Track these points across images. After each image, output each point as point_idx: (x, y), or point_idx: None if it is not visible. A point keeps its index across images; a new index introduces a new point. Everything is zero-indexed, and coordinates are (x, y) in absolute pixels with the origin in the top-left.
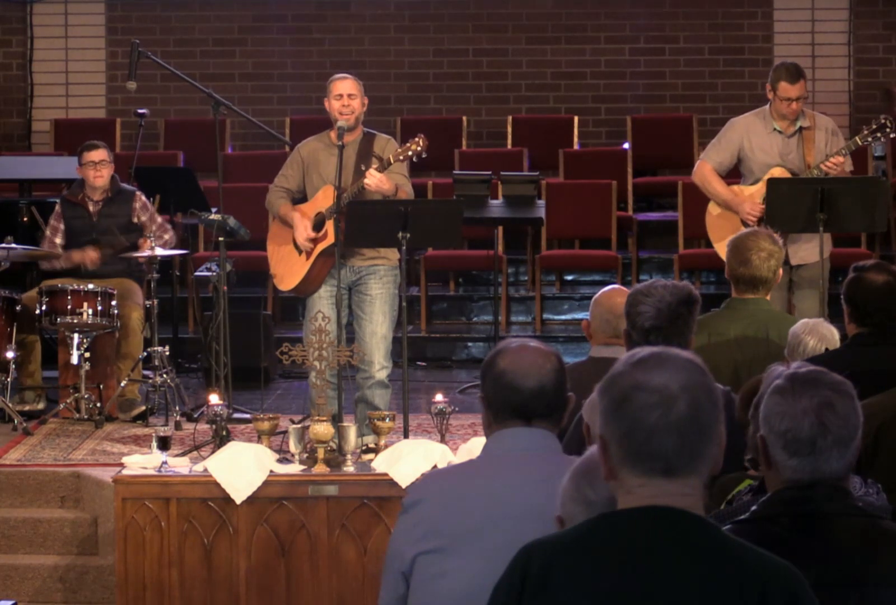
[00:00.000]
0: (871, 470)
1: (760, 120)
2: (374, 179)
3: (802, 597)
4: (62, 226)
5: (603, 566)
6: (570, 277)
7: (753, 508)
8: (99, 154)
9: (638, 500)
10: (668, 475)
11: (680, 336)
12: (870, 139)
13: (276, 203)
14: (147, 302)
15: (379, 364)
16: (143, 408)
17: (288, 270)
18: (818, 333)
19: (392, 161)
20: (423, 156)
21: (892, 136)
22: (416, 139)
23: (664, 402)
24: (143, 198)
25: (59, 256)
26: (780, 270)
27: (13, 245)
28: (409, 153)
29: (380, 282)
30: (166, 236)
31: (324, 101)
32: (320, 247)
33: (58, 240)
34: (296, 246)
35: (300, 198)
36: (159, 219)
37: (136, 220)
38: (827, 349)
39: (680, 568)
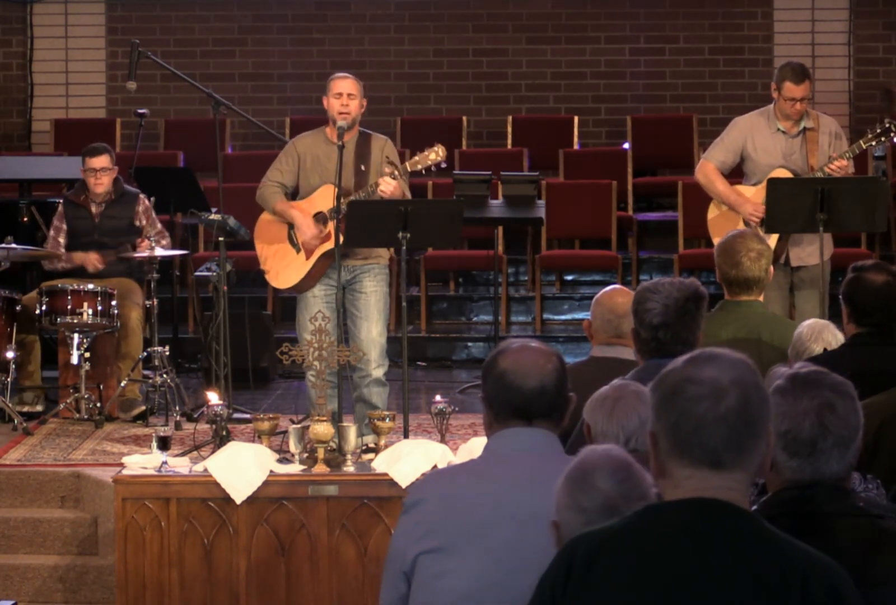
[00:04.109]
0: (872, 469)
1: (764, 120)
2: (390, 187)
3: (844, 590)
4: (65, 226)
5: (647, 557)
6: (570, 277)
7: (754, 508)
8: (100, 161)
9: (684, 492)
10: (715, 468)
11: (688, 332)
12: (874, 143)
13: (271, 199)
14: (147, 302)
15: (375, 362)
16: (144, 408)
17: (285, 268)
18: (824, 340)
19: (409, 169)
20: (443, 166)
21: (895, 139)
22: (436, 148)
23: (714, 394)
24: (147, 201)
25: (60, 257)
26: (772, 269)
27: (13, 245)
28: (429, 162)
29: (374, 280)
30: (164, 242)
31: (322, 98)
32: (324, 247)
33: (61, 240)
34: (291, 243)
35: (291, 193)
36: (159, 225)
37: (137, 223)
38: (826, 350)
39: (723, 560)
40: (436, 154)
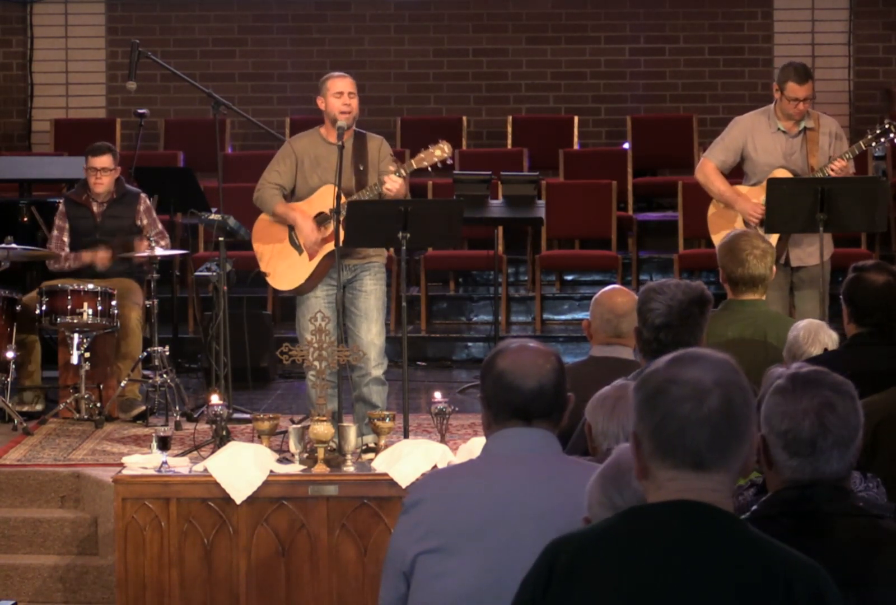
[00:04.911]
0: (870, 468)
1: (765, 119)
2: (396, 185)
3: (827, 594)
4: (68, 225)
5: (630, 559)
6: (570, 277)
7: (754, 507)
8: (101, 161)
9: (667, 494)
10: (698, 470)
11: (690, 335)
12: (874, 144)
13: (271, 201)
14: (147, 302)
15: (375, 361)
16: (143, 408)
17: (287, 270)
18: (821, 342)
19: (414, 167)
20: (449, 162)
21: (895, 140)
22: (440, 145)
23: (697, 395)
24: (148, 201)
25: (60, 256)
26: (775, 267)
27: (13, 245)
28: (434, 159)
29: (374, 278)
30: (162, 243)
31: (317, 99)
32: (327, 248)
33: (66, 239)
34: (293, 245)
35: (285, 194)
36: (159, 225)
37: (139, 222)
38: (826, 350)
39: (706, 562)
40: (441, 151)
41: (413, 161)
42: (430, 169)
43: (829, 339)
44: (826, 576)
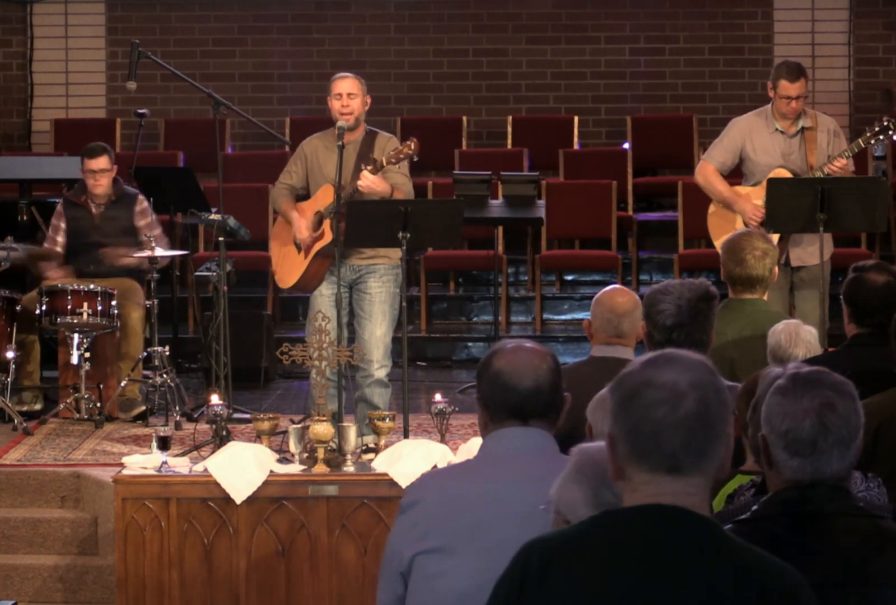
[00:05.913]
0: (871, 469)
1: (762, 120)
2: (367, 182)
3: (801, 598)
4: (63, 224)
5: (603, 563)
6: (570, 277)
7: (754, 507)
8: (98, 163)
9: (642, 498)
10: (673, 473)
11: (702, 332)
12: (872, 141)
13: (278, 200)
14: (147, 302)
15: (378, 363)
16: (144, 408)
17: (287, 269)
18: (804, 341)
19: (385, 164)
20: (415, 159)
21: (894, 137)
22: (408, 142)
23: (672, 398)
24: (145, 202)
25: (59, 255)
26: (777, 269)
27: (13, 245)
28: (401, 156)
29: (380, 280)
30: (161, 245)
31: (326, 99)
32: (317, 246)
33: (59, 238)
34: (296, 244)
35: (304, 194)
36: (159, 229)
37: (136, 223)
38: (808, 350)
39: (681, 566)
40: (408, 148)
41: (383, 159)
42: (396, 163)
43: (811, 336)
44: (800, 579)
